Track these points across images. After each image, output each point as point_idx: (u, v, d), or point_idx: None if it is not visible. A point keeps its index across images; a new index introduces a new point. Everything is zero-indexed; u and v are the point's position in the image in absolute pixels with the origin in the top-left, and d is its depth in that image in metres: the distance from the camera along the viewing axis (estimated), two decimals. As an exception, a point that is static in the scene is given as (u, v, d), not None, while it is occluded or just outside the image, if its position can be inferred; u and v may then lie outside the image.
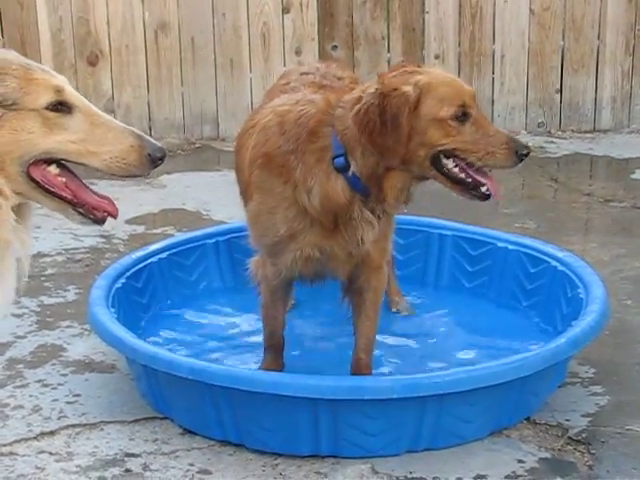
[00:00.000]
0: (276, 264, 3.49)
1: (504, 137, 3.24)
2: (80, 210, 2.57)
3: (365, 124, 3.17)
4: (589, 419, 3.54)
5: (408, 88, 3.18)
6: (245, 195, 3.61)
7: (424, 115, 3.18)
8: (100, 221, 2.60)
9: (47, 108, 2.44)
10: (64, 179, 2.53)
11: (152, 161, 2.53)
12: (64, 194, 2.53)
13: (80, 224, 2.62)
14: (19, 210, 2.54)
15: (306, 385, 3.23)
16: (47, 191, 2.51)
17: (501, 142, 3.22)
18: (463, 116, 3.20)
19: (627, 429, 3.47)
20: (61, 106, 2.46)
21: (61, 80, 2.51)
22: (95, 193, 2.61)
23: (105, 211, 2.59)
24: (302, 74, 3.78)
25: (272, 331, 3.67)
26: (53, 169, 2.50)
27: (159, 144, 2.58)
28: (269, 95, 3.78)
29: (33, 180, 2.48)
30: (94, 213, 2.59)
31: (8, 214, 2.45)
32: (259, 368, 3.66)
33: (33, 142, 2.43)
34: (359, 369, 3.53)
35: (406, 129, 3.15)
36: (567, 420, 3.53)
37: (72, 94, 2.49)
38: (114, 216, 2.62)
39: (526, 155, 3.24)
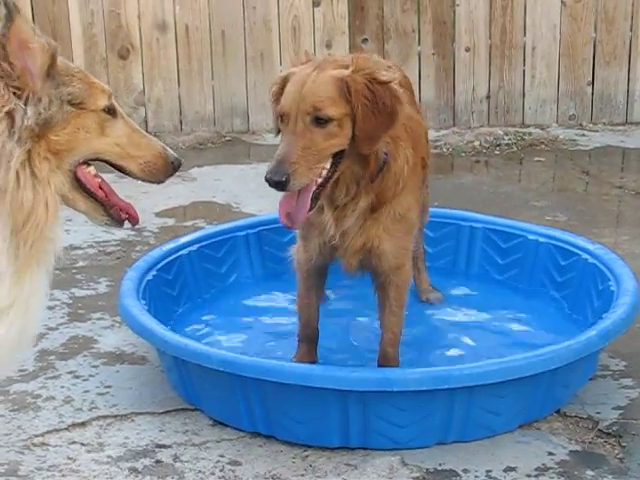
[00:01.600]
0: (307, 250, 3.55)
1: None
2: (110, 211, 2.69)
3: None
4: (620, 412, 3.52)
5: None
6: None
7: None
8: (122, 223, 2.74)
9: (103, 110, 2.58)
10: (99, 180, 2.65)
11: (174, 168, 2.72)
12: (99, 194, 2.64)
13: (104, 225, 2.74)
14: None
15: (336, 377, 3.23)
16: (86, 191, 2.62)
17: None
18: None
19: (658, 422, 3.46)
20: (110, 110, 2.60)
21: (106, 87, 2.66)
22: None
23: (129, 214, 2.73)
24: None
25: (307, 320, 3.68)
26: (92, 170, 2.62)
27: (175, 153, 2.76)
28: None
29: (77, 180, 2.59)
30: (120, 215, 2.72)
31: (59, 213, 2.55)
32: (293, 359, 3.67)
33: (89, 141, 2.56)
34: (386, 361, 3.54)
35: None
36: (598, 413, 3.51)
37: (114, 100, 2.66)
38: (137, 221, 2.77)
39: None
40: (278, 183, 3.09)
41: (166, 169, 2.71)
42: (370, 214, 3.39)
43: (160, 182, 2.73)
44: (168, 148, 2.73)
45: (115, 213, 2.70)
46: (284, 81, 3.29)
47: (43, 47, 2.44)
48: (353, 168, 3.28)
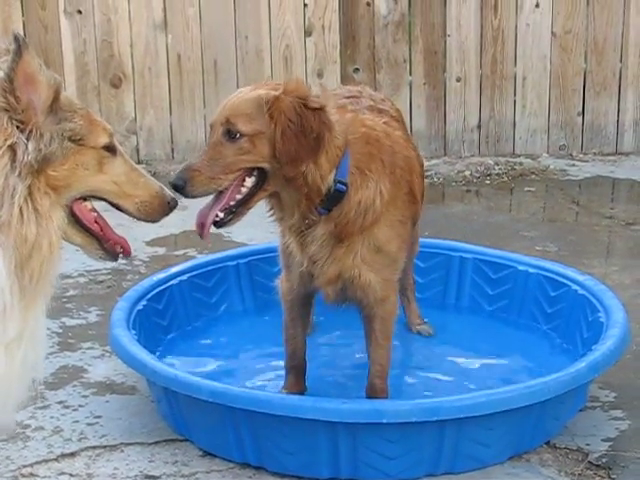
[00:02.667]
0: (289, 279, 3.59)
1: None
2: (105, 245, 2.70)
3: None
4: (610, 444, 3.52)
5: None
6: None
7: None
8: (116, 257, 2.76)
9: (103, 148, 2.59)
10: (95, 214, 2.66)
11: (170, 209, 2.75)
12: (94, 228, 2.65)
13: (98, 259, 2.75)
14: None
15: (325, 408, 3.23)
16: (82, 225, 2.63)
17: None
18: None
19: (648, 454, 3.45)
20: (110, 148, 2.62)
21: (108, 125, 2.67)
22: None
23: (123, 248, 2.75)
24: (350, 97, 3.80)
25: (293, 351, 3.68)
26: (88, 204, 2.63)
27: (172, 194, 2.77)
28: None
29: (74, 215, 2.60)
30: (115, 248, 2.73)
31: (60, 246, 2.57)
32: (281, 390, 3.67)
33: (87, 178, 2.57)
34: (374, 393, 3.54)
35: None
36: (587, 444, 3.52)
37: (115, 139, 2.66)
38: (129, 253, 2.79)
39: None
40: (176, 187, 3.21)
41: (162, 209, 2.73)
42: (338, 243, 3.39)
43: (155, 221, 2.75)
44: (165, 188, 2.74)
45: (110, 247, 2.71)
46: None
47: (49, 82, 2.46)
48: (288, 192, 3.31)
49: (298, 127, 3.19)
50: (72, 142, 2.53)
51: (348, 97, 3.79)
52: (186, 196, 3.25)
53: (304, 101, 3.23)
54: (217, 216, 3.28)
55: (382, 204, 3.40)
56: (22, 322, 2.50)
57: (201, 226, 3.32)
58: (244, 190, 3.26)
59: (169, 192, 2.74)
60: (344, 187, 3.34)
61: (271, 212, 3.44)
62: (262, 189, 3.28)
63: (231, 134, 3.23)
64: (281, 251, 3.60)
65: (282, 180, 3.27)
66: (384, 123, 3.62)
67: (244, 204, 3.28)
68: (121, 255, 2.76)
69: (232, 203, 3.27)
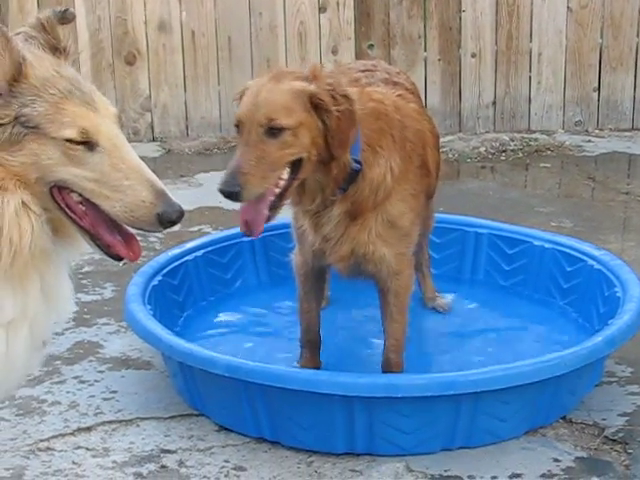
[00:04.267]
0: (302, 253, 3.59)
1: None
2: (98, 242, 2.45)
3: None
4: (626, 419, 3.51)
5: None
6: None
7: None
8: (116, 258, 2.48)
9: (69, 141, 2.35)
10: (84, 207, 2.42)
11: (160, 222, 2.37)
12: (81, 223, 2.43)
13: (103, 255, 2.49)
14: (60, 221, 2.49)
15: (341, 383, 3.23)
16: (66, 215, 2.44)
17: None
18: None
19: (664, 429, 3.45)
20: (84, 143, 2.37)
21: (98, 120, 2.39)
22: (119, 229, 2.46)
23: (117, 253, 2.46)
24: (365, 71, 3.80)
25: (307, 325, 3.69)
26: (75, 196, 2.41)
27: (178, 206, 2.38)
28: None
29: (55, 201, 2.42)
30: (109, 250, 2.46)
31: (40, 227, 2.40)
32: (295, 365, 3.67)
33: (51, 168, 2.37)
34: (389, 367, 3.55)
35: None
36: (603, 419, 3.51)
37: (102, 133, 2.39)
38: (130, 258, 2.47)
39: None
40: (231, 194, 3.13)
41: (150, 220, 2.36)
42: (352, 221, 3.40)
43: (146, 231, 2.41)
44: (167, 197, 2.38)
45: (104, 246, 2.45)
46: (242, 94, 3.34)
47: (12, 61, 2.30)
48: (316, 176, 3.32)
49: (346, 114, 3.21)
50: (25, 128, 2.34)
51: (363, 71, 3.78)
52: (240, 201, 3.20)
53: (339, 89, 3.25)
54: (269, 218, 3.25)
55: (393, 180, 3.40)
56: (20, 301, 2.40)
57: (247, 225, 3.26)
58: (282, 183, 3.24)
59: (169, 202, 2.37)
60: (359, 165, 3.35)
61: (294, 197, 3.40)
62: (296, 178, 3.27)
63: (273, 130, 3.18)
64: (294, 229, 3.61)
65: (315, 166, 3.27)
66: (398, 96, 3.61)
67: (282, 196, 3.27)
68: (126, 260, 2.49)
69: (272, 198, 3.24)
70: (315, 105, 3.21)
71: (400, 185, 3.44)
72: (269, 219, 3.26)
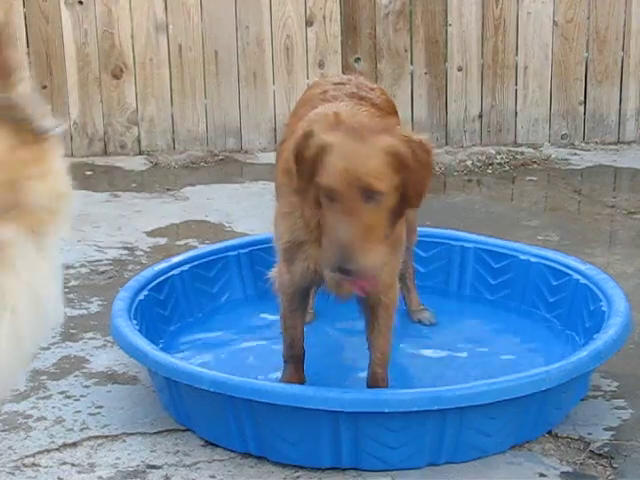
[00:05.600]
0: (290, 272, 3.52)
1: None
2: None
3: None
4: (611, 433, 3.52)
5: None
6: (276, 198, 3.66)
7: None
8: None
9: None
10: None
11: None
12: None
13: None
14: None
15: (327, 398, 3.23)
16: None
17: None
18: None
19: (650, 443, 3.45)
20: None
21: None
22: None
23: None
24: (337, 84, 3.78)
25: (291, 341, 3.68)
26: None
27: None
28: (308, 103, 3.72)
29: None
30: None
31: None
32: (280, 381, 3.67)
33: None
34: (376, 382, 3.53)
35: None
36: (589, 434, 3.51)
37: None
38: None
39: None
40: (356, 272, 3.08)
41: None
42: None
43: None
44: None
45: None
46: (321, 149, 3.16)
47: None
48: None
49: (422, 166, 3.17)
50: None
51: (336, 83, 3.78)
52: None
53: (414, 141, 3.19)
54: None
55: None
56: None
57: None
58: None
59: None
60: None
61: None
62: None
63: (371, 195, 3.10)
64: (284, 243, 3.52)
65: None
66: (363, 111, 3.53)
67: None
68: None
69: None
70: (403, 166, 3.14)
71: None
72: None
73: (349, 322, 4.03)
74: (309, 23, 7.00)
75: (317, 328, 4.16)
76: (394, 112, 3.88)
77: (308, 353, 3.71)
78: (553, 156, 6.95)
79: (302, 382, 3.66)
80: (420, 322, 4.25)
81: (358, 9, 7.02)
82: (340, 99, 3.61)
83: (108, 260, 5.15)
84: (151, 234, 5.55)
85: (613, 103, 7.23)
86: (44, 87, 6.96)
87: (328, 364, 3.96)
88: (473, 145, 7.17)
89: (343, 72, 6.89)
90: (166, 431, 3.59)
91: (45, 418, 3.67)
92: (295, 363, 3.68)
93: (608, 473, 3.30)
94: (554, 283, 4.21)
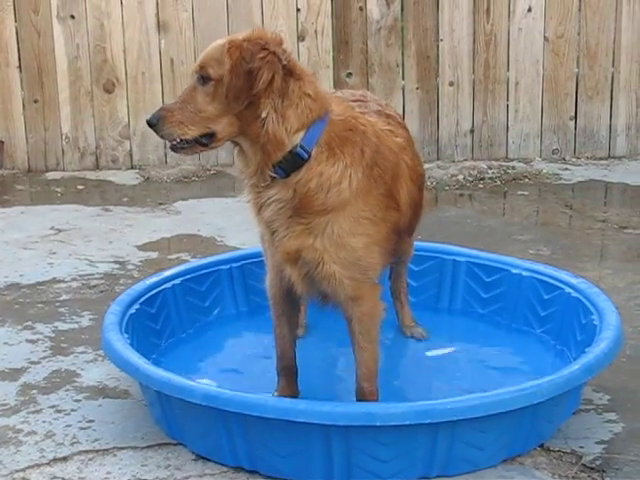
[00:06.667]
0: (270, 271, 3.59)
1: None
2: None
3: None
4: (603, 446, 3.52)
5: None
6: None
7: None
8: None
9: None
10: None
11: None
12: None
13: None
14: None
15: (319, 412, 3.22)
16: None
17: None
18: None
19: (642, 456, 3.46)
20: None
21: None
22: None
23: None
24: (356, 100, 3.81)
25: (282, 352, 3.67)
26: None
27: None
28: None
29: None
30: None
31: None
32: (273, 394, 3.66)
33: None
34: (363, 396, 3.51)
35: None
36: (581, 447, 3.51)
37: None
38: None
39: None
40: (149, 123, 3.35)
41: None
42: (297, 217, 3.35)
43: None
44: None
45: None
46: None
47: None
48: (246, 141, 3.33)
49: (248, 65, 3.23)
50: None
51: (354, 100, 3.79)
52: (157, 133, 3.36)
53: (263, 44, 3.28)
54: (174, 140, 3.36)
55: (350, 191, 3.33)
56: None
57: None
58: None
59: None
60: (305, 155, 3.30)
61: (236, 163, 3.47)
62: (211, 147, 3.38)
63: (204, 79, 3.30)
64: (260, 240, 3.60)
65: (238, 131, 3.30)
66: (389, 130, 3.62)
67: (199, 144, 3.36)
68: None
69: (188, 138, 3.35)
70: (229, 55, 3.27)
71: (357, 202, 3.36)
72: (177, 149, 3.38)
73: (341, 336, 4.02)
74: (301, 38, 7.02)
75: (310, 342, 4.16)
76: (407, 127, 3.95)
77: (301, 367, 3.70)
78: (544, 171, 6.97)
79: (295, 395, 3.66)
80: (413, 337, 4.25)
81: (350, 24, 7.05)
82: (369, 115, 3.67)
83: (99, 274, 5.14)
84: (143, 248, 5.55)
85: (604, 118, 7.26)
86: (36, 101, 6.97)
87: (321, 378, 3.96)
88: (465, 160, 7.19)
89: (335, 87, 6.91)
90: (157, 445, 3.57)
91: (35, 432, 3.65)
92: (287, 376, 3.67)
93: (600, 487, 3.30)
94: (546, 297, 4.21)
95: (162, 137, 3.39)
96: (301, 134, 3.30)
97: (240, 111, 3.27)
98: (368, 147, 3.41)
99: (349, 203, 3.35)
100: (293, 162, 3.31)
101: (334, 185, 3.33)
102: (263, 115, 3.27)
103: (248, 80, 3.24)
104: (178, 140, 3.35)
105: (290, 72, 3.31)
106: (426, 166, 6.85)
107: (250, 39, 3.29)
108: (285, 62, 3.29)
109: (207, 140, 3.34)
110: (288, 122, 3.29)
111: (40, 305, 4.78)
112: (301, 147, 3.30)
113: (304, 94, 3.32)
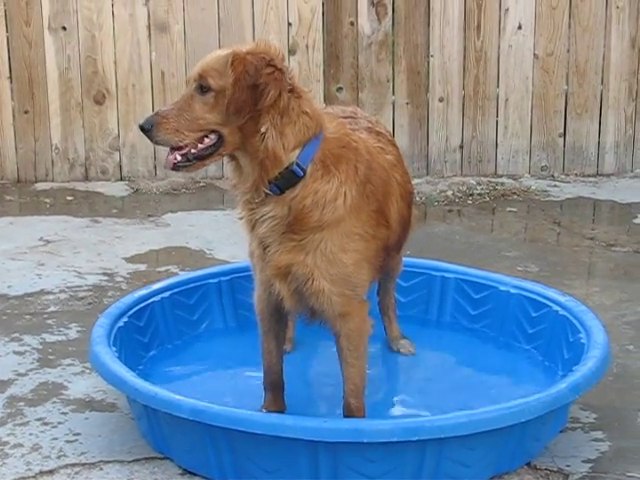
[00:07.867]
0: (258, 287, 3.60)
1: None
2: None
3: None
4: (590, 465, 3.52)
5: None
6: None
7: None
8: None
9: None
10: None
11: None
12: None
13: None
14: None
15: (306, 427, 3.21)
16: None
17: None
18: None
19: (628, 475, 3.46)
20: None
21: None
22: None
23: None
24: (347, 117, 3.81)
25: (269, 367, 3.68)
26: None
27: None
28: None
29: None
30: None
31: None
32: (260, 409, 3.66)
33: None
34: (350, 412, 3.51)
35: None
36: (568, 466, 3.52)
37: None
38: None
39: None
40: (142, 129, 3.34)
41: None
42: (291, 234, 3.36)
43: None
44: None
45: None
46: None
47: None
48: (245, 156, 3.33)
49: (252, 79, 3.23)
50: None
51: (345, 117, 3.80)
52: (150, 140, 3.35)
53: (268, 59, 3.28)
54: (176, 158, 3.34)
55: (345, 207, 3.35)
56: None
57: (167, 163, 3.40)
58: (201, 146, 3.32)
59: None
60: (301, 172, 3.32)
61: (230, 178, 3.46)
62: (218, 153, 3.34)
63: (203, 88, 3.29)
64: (248, 255, 3.58)
65: (239, 143, 3.30)
66: (380, 148, 3.64)
67: (200, 158, 3.34)
68: None
69: (192, 151, 3.33)
70: (233, 68, 3.26)
71: (351, 219, 3.38)
72: (179, 168, 3.37)
73: (329, 351, 4.02)
74: (292, 52, 7.03)
75: (297, 358, 4.15)
76: (396, 145, 3.96)
77: (288, 382, 3.70)
78: (533, 187, 6.99)
79: (282, 410, 3.66)
80: (399, 352, 4.25)
81: (341, 39, 7.07)
82: (360, 132, 3.68)
83: (88, 286, 5.13)
84: (131, 260, 5.54)
85: (592, 136, 7.29)
86: (26, 112, 6.97)
87: (308, 393, 3.95)
88: (454, 175, 7.20)
89: (325, 101, 6.92)
90: (144, 459, 3.57)
91: (22, 445, 3.64)
92: (274, 391, 3.67)
93: (586, 505, 3.30)
94: (534, 314, 4.22)
95: (156, 143, 3.37)
96: (297, 152, 3.32)
97: (240, 124, 3.28)
98: (361, 164, 3.43)
99: (343, 220, 3.37)
100: (289, 179, 3.33)
101: (329, 202, 3.35)
102: (262, 130, 3.28)
103: (252, 95, 3.24)
104: (179, 159, 3.33)
105: (291, 90, 3.32)
106: (415, 181, 6.90)
107: (254, 53, 3.29)
108: (290, 80, 3.30)
109: (213, 149, 3.32)
110: (286, 139, 3.30)
111: (28, 317, 4.77)
112: (297, 165, 3.31)
113: (302, 112, 3.33)
